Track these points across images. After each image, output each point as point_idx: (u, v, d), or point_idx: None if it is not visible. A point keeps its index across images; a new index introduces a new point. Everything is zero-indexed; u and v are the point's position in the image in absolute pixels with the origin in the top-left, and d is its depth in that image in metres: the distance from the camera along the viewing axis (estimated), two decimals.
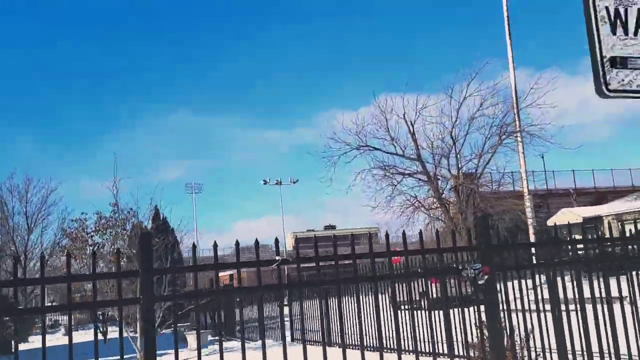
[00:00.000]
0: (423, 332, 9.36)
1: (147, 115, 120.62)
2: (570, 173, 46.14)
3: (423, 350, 7.00)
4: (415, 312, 6.68)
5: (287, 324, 16.14)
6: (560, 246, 7.63)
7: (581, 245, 7.03)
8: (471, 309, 6.32)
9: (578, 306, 6.46)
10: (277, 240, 5.75)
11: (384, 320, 11.44)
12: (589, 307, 6.44)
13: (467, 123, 29.34)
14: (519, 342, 7.48)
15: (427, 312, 6.94)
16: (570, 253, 7.11)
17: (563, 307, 6.63)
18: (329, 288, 12.58)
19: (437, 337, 6.37)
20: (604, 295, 6.58)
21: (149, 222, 27.81)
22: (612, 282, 6.68)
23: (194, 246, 5.46)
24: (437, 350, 6.01)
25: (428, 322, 6.23)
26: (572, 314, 6.46)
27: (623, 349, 6.37)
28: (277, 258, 5.71)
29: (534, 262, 7.22)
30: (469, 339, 6.43)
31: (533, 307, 6.64)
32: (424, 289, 9.57)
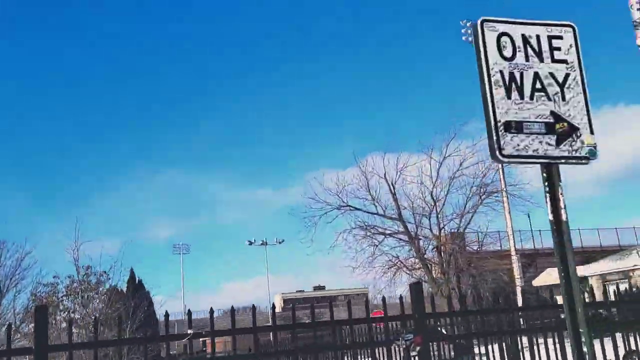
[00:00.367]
0: None
1: (135, 175, 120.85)
2: None
3: None
4: None
5: None
6: (513, 313, 7.38)
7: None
8: None
9: None
10: (253, 307, 5.69)
11: None
12: None
13: (447, 183, 29.34)
14: None
15: None
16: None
17: None
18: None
19: None
20: None
21: (124, 283, 27.22)
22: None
23: (167, 315, 5.42)
24: None
25: None
26: None
27: None
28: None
29: (472, 331, 6.93)
30: None
31: None
32: None
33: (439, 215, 28.80)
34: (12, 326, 4.87)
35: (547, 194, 4.15)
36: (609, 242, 45.08)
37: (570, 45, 4.45)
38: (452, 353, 8.17)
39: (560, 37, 4.44)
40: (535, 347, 6.64)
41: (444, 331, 8.18)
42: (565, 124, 4.27)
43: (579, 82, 4.39)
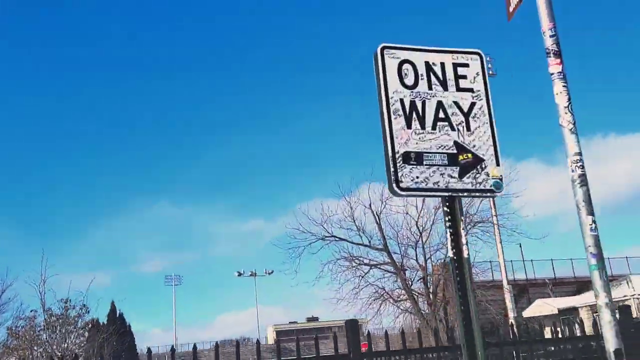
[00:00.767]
0: None
1: (127, 207, 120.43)
2: (551, 262, 45.52)
3: None
4: None
5: None
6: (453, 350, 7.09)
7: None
8: None
9: None
10: (237, 344, 5.49)
11: None
12: None
13: (433, 212, 29.06)
14: None
15: None
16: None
17: None
18: None
19: None
20: None
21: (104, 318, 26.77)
22: None
23: (149, 351, 5.38)
24: None
25: None
26: None
27: None
28: None
29: None
30: None
31: None
32: None
33: (425, 246, 28.43)
34: None
35: (448, 230, 3.93)
36: None
37: (477, 73, 4.27)
38: None
39: (466, 65, 4.27)
40: None
41: None
42: (470, 155, 4.07)
43: (486, 112, 4.20)
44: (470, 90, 4.22)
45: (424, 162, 3.96)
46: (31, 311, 24.07)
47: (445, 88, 4.17)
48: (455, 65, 4.24)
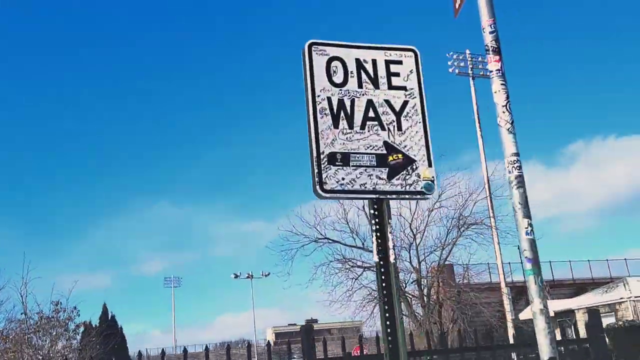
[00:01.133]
0: None
1: (127, 207, 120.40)
2: (549, 264, 45.25)
3: None
4: None
5: None
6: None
7: None
8: None
9: None
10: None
11: None
12: None
13: (427, 214, 28.87)
14: None
15: None
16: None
17: None
18: None
19: None
20: None
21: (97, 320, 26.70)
22: None
23: (140, 354, 5.23)
24: None
25: None
26: None
27: None
28: None
29: None
30: None
31: None
32: None
33: (418, 248, 28.25)
34: None
35: (375, 233, 3.77)
36: (600, 274, 44.40)
37: (411, 71, 4.11)
38: None
39: (399, 62, 4.11)
40: None
41: None
42: (400, 155, 3.91)
43: (419, 110, 4.04)
44: (403, 88, 4.07)
45: (351, 163, 3.81)
46: (21, 314, 23.91)
47: (377, 86, 4.02)
48: (388, 63, 4.09)
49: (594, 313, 7.71)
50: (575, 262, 45.22)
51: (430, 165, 3.93)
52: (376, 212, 3.80)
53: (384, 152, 3.89)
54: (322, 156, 3.76)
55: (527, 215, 3.92)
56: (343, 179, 3.76)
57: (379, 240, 3.75)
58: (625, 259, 45.26)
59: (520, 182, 3.97)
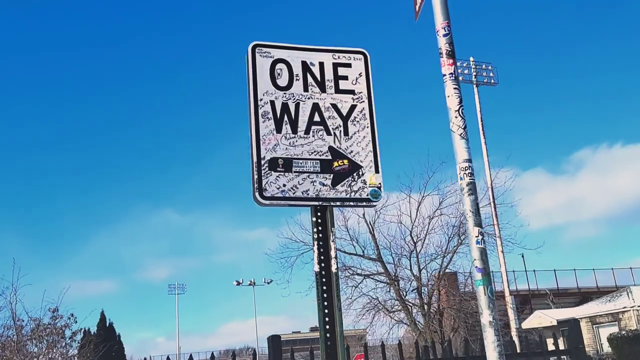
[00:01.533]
0: None
1: (132, 214, 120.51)
2: (554, 273, 44.89)
3: None
4: None
5: None
6: None
7: None
8: None
9: None
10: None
11: None
12: None
13: (427, 222, 28.65)
14: None
15: None
16: None
17: None
18: None
19: None
20: None
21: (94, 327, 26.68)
22: None
23: None
24: None
25: None
26: None
27: None
28: None
29: None
30: None
31: None
32: None
33: (418, 256, 28.02)
34: None
35: (317, 242, 3.63)
36: (605, 283, 43.97)
37: (360, 74, 3.99)
38: None
39: (348, 65, 3.98)
40: None
41: None
42: (346, 161, 3.78)
43: (367, 115, 3.91)
44: (351, 92, 3.94)
45: (294, 169, 3.68)
46: (18, 320, 23.84)
47: (323, 90, 3.89)
48: (336, 65, 3.96)
49: (574, 324, 7.54)
50: (581, 271, 44.80)
51: (377, 171, 3.80)
52: (319, 220, 3.67)
53: (329, 157, 3.76)
54: (262, 162, 3.64)
55: (478, 223, 3.77)
56: (284, 185, 3.63)
57: (321, 250, 3.61)
58: (630, 268, 44.82)
59: (472, 189, 3.82)
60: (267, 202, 3.59)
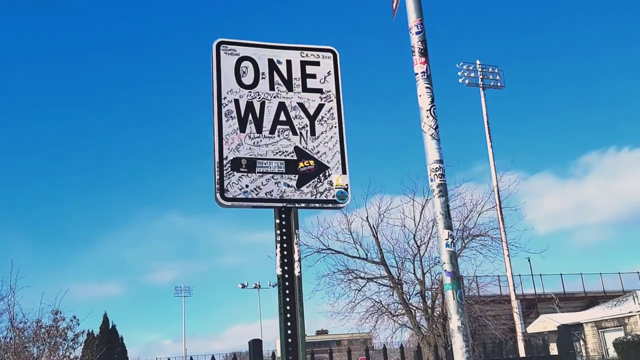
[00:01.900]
0: None
1: (137, 217, 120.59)
2: (560, 277, 44.57)
3: None
4: None
5: None
6: None
7: None
8: None
9: None
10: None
11: None
12: None
13: (432, 226, 28.47)
14: None
15: None
16: None
17: None
18: None
19: None
20: None
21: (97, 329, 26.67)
22: None
23: None
24: None
25: None
26: None
27: None
28: None
29: None
30: None
31: None
32: None
33: (422, 260, 27.83)
34: None
35: (279, 244, 3.53)
36: (612, 287, 43.58)
37: (329, 73, 3.89)
38: None
39: (316, 63, 3.89)
40: None
41: None
42: (312, 161, 3.68)
43: (335, 114, 3.81)
44: (319, 90, 3.84)
45: (257, 170, 3.58)
46: (20, 322, 23.81)
47: (290, 88, 3.79)
48: (304, 64, 3.87)
49: (564, 329, 7.39)
50: (588, 275, 44.41)
51: (344, 172, 3.69)
52: (283, 222, 3.56)
53: (295, 158, 3.66)
54: (224, 162, 3.54)
55: (448, 226, 3.65)
56: (247, 186, 3.53)
57: (284, 252, 3.50)
58: (637, 272, 44.38)
59: (442, 190, 3.71)
60: (229, 203, 3.49)
